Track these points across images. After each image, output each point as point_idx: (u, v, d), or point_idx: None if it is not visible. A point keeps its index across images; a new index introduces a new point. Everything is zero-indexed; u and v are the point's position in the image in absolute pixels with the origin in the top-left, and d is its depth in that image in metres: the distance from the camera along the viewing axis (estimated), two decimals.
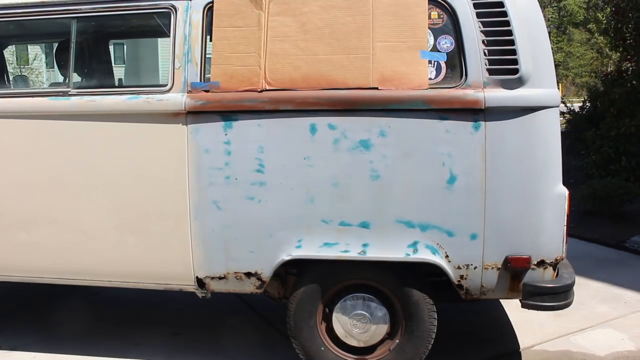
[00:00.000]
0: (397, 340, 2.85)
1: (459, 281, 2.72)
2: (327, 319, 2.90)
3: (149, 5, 2.87)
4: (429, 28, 2.64)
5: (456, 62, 2.64)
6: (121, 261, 2.96)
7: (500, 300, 3.82)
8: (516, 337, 3.50)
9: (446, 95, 2.60)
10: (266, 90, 2.70)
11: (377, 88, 2.63)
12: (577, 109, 9.69)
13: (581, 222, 6.08)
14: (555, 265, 2.71)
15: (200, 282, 2.91)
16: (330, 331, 2.91)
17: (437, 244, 2.68)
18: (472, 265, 2.69)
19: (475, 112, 2.59)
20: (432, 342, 2.84)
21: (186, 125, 2.78)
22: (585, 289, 4.22)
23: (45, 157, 2.96)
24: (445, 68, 2.65)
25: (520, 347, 3.40)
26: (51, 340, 3.54)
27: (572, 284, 2.75)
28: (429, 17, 2.64)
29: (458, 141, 2.60)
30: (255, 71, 2.71)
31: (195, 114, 2.77)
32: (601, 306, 3.99)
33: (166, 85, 2.83)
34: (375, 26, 2.65)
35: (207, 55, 2.81)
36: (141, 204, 2.89)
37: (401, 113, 2.63)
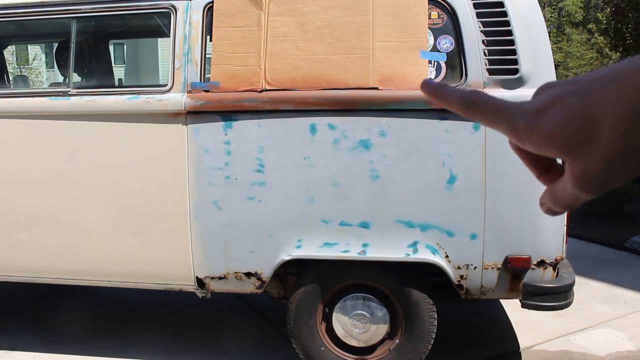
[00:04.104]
0: (397, 340, 2.85)
1: (459, 281, 2.72)
2: (327, 319, 2.91)
3: (149, 5, 2.87)
4: (429, 28, 2.64)
5: (456, 62, 2.64)
6: (121, 261, 2.96)
7: (500, 300, 3.82)
8: (516, 337, 3.50)
9: None
10: (266, 90, 2.70)
11: (377, 88, 2.63)
12: None
13: (581, 222, 6.08)
14: (555, 265, 2.71)
15: (200, 282, 2.91)
16: (330, 331, 2.91)
17: (437, 244, 2.68)
18: (472, 265, 2.69)
19: None
20: (432, 342, 2.84)
21: (186, 125, 2.78)
22: (585, 289, 4.22)
23: (45, 157, 2.96)
24: (445, 68, 2.65)
25: (520, 347, 3.40)
26: (51, 340, 3.54)
27: (572, 284, 2.75)
28: (429, 17, 2.64)
29: (458, 141, 2.60)
30: (255, 71, 2.71)
31: (195, 114, 2.77)
32: (601, 306, 3.99)
33: (166, 85, 2.82)
34: (375, 26, 2.65)
35: (207, 55, 2.81)
36: (141, 204, 2.89)
37: (401, 113, 2.63)
